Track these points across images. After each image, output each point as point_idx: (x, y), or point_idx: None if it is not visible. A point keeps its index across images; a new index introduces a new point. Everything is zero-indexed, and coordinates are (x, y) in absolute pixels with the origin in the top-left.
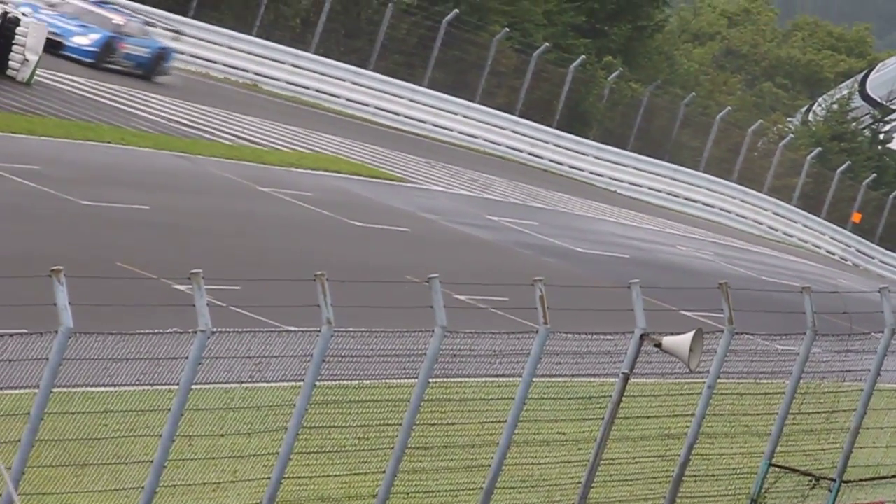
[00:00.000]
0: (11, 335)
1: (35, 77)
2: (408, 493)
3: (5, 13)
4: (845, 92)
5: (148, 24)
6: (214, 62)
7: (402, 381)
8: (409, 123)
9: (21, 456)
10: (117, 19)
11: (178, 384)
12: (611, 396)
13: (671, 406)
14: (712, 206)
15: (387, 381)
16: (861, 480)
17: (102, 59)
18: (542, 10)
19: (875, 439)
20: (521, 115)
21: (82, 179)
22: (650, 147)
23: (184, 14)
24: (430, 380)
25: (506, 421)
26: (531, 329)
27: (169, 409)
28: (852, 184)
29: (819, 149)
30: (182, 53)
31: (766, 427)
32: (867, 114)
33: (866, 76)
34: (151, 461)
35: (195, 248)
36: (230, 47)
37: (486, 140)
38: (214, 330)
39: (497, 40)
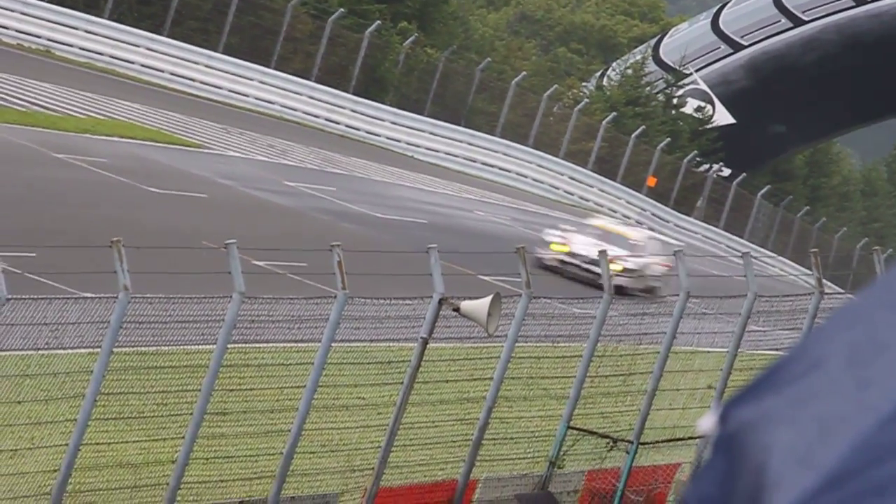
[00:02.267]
0: None
1: None
2: (207, 459)
3: None
4: (639, 57)
5: None
6: (6, 28)
7: (200, 346)
8: (204, 89)
9: None
10: None
11: None
12: (410, 361)
13: (470, 370)
14: (509, 171)
15: (185, 346)
16: (658, 442)
17: None
18: None
19: (671, 401)
20: (317, 81)
21: None
22: (446, 112)
23: None
24: (229, 345)
25: (305, 386)
26: (330, 294)
27: None
28: (647, 148)
29: (614, 113)
30: None
31: (564, 390)
32: (661, 78)
33: (659, 41)
34: None
35: None
36: (22, 13)
37: (283, 106)
38: (10, 297)
39: (292, 6)
